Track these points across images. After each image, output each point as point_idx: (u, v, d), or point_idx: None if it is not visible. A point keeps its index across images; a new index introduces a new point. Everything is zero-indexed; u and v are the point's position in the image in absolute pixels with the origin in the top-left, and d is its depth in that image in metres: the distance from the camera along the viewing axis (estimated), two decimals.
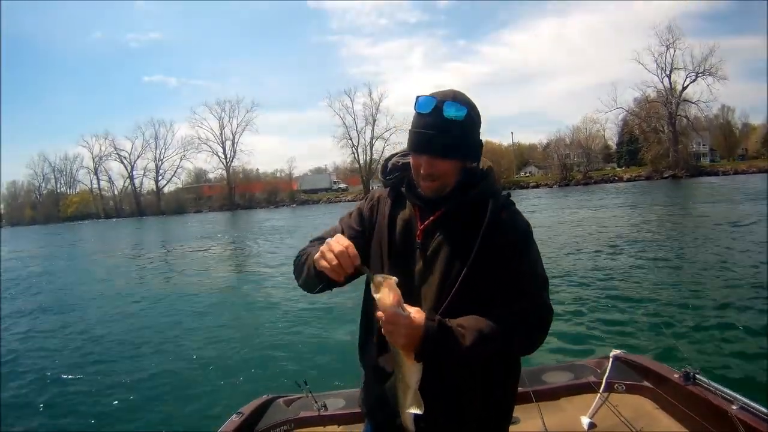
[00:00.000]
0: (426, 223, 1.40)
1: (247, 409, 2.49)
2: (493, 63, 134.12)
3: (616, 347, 2.82)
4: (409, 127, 1.38)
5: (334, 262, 1.25)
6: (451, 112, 1.29)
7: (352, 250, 1.27)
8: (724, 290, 7.39)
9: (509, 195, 1.44)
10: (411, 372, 1.24)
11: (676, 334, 5.62)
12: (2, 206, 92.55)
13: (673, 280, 8.46)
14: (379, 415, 1.48)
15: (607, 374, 2.53)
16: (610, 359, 2.63)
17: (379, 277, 1.22)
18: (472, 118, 1.34)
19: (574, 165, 65.05)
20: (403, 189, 1.48)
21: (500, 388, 1.42)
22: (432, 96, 1.33)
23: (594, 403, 2.40)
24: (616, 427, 2.23)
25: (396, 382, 1.28)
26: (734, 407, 1.97)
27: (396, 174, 1.50)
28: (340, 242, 1.27)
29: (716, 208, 19.98)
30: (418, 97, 1.34)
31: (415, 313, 1.23)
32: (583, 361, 2.88)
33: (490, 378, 1.37)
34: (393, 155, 1.56)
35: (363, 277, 1.31)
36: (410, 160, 1.41)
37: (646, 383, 2.47)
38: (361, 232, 1.51)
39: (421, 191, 1.41)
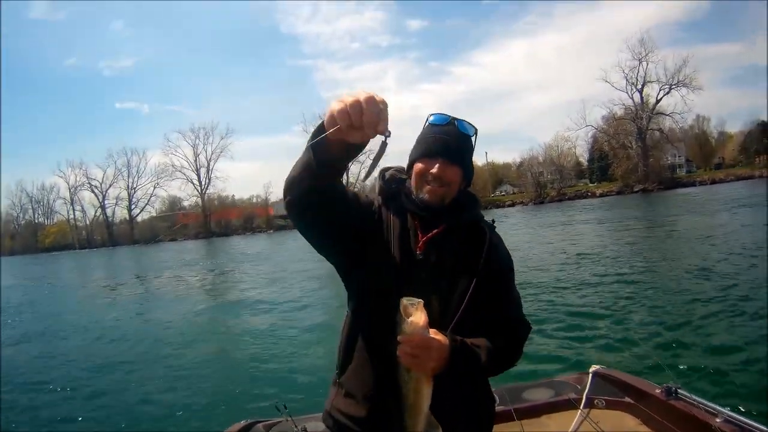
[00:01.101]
0: (429, 235, 1.42)
1: None
2: (466, 83, 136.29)
3: (595, 363, 2.81)
4: (414, 140, 1.49)
5: (364, 112, 1.03)
6: (464, 127, 1.44)
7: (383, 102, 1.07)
8: (701, 303, 7.42)
9: (493, 221, 1.54)
10: (426, 396, 1.21)
11: (655, 349, 5.65)
12: None
13: (649, 294, 8.52)
14: None
15: (587, 390, 2.52)
16: (590, 375, 2.62)
17: (406, 301, 1.18)
18: (474, 141, 1.48)
19: (548, 182, 66.24)
20: (403, 199, 1.49)
21: (488, 398, 1.53)
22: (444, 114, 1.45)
23: (575, 420, 2.37)
24: None
25: (404, 407, 1.22)
26: (718, 420, 1.97)
27: (394, 186, 1.52)
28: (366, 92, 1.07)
29: (689, 219, 20.50)
30: (431, 114, 1.46)
31: (438, 335, 1.24)
32: (562, 378, 2.86)
33: (484, 389, 1.50)
34: (388, 168, 1.58)
35: (338, 295, 1.29)
36: (415, 167, 1.44)
37: (627, 399, 2.46)
38: (370, 214, 1.47)
39: (424, 196, 1.42)
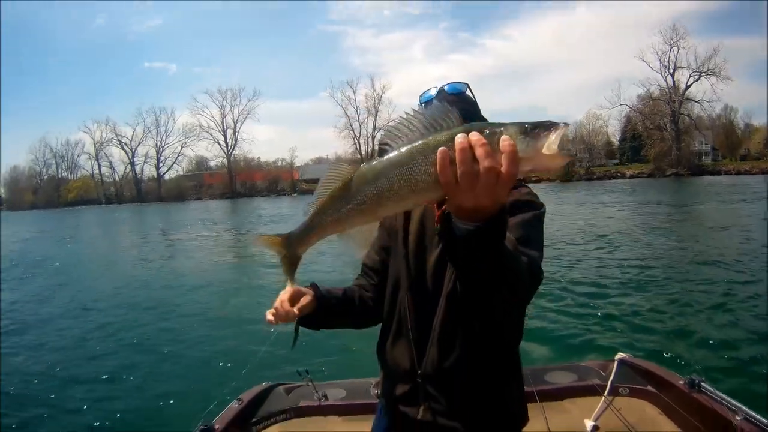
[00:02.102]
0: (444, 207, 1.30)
1: (247, 395, 2.47)
2: (496, 56, 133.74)
3: (621, 350, 2.75)
4: None
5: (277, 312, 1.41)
6: (452, 88, 1.43)
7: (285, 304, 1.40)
8: (735, 297, 7.19)
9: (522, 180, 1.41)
10: None
11: (682, 339, 5.51)
12: (3, 191, 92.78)
13: (683, 283, 8.26)
14: (403, 409, 1.45)
15: (612, 377, 2.47)
16: (616, 362, 2.57)
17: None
18: (472, 94, 1.46)
19: (576, 161, 64.88)
20: None
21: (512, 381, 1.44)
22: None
23: (598, 407, 2.33)
24: (618, 431, 2.17)
25: None
26: (738, 418, 1.93)
27: None
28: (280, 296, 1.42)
29: (724, 209, 19.86)
30: (422, 94, 1.45)
31: None
32: (586, 363, 2.81)
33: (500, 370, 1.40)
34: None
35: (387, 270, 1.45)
36: None
37: (650, 388, 2.42)
38: (388, 232, 1.57)
39: None
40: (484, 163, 0.77)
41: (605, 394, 2.40)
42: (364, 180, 0.89)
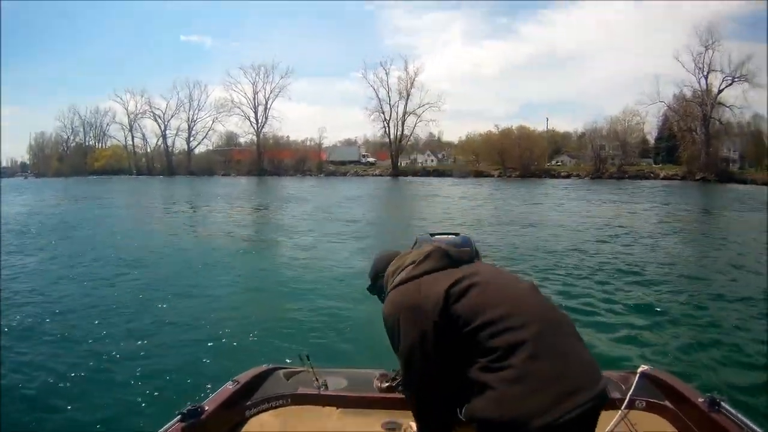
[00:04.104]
0: None
1: (244, 377, 2.36)
2: (533, 44, 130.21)
3: (645, 362, 2.64)
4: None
5: None
6: None
7: None
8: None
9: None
10: None
11: (706, 355, 5.29)
12: (29, 157, 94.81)
13: (714, 297, 7.85)
14: None
15: (632, 391, 2.36)
16: (637, 375, 2.45)
17: None
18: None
19: (609, 157, 63.30)
20: None
21: None
22: None
23: (613, 420, 2.24)
24: None
25: None
26: None
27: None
28: None
29: (755, 217, 19.14)
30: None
31: None
32: (607, 374, 2.71)
33: None
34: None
35: None
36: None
37: (668, 403, 2.30)
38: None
39: None
40: None
41: (622, 407, 2.31)
42: None
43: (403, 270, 1.64)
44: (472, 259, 1.72)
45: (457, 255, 1.65)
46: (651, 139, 69.34)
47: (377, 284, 1.88)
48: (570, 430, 1.28)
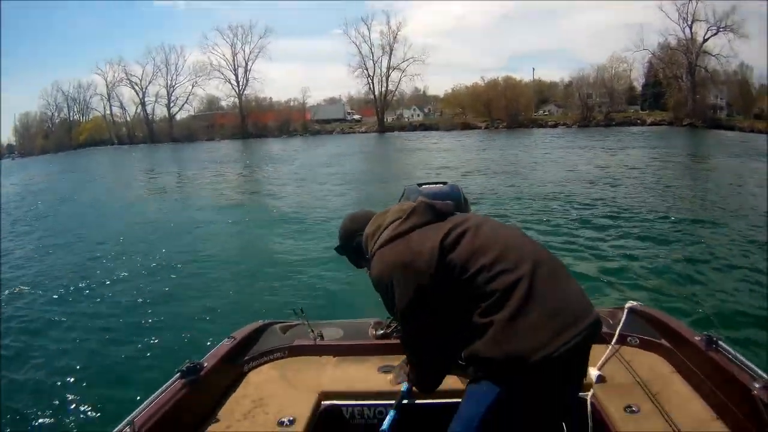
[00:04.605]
0: None
1: (240, 333, 2.42)
2: None
3: (632, 299, 2.64)
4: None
5: None
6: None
7: None
8: (754, 252, 6.96)
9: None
10: None
11: (699, 293, 5.35)
12: (15, 138, 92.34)
13: (703, 236, 8.02)
14: None
15: (620, 326, 2.37)
16: (625, 310, 2.46)
17: None
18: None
19: (596, 105, 62.95)
20: None
21: None
22: None
23: (604, 355, 2.25)
24: (627, 384, 2.07)
25: None
26: (757, 385, 1.75)
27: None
28: None
29: (738, 162, 19.29)
30: None
31: None
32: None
33: None
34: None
35: None
36: None
37: (663, 341, 2.29)
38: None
39: None
40: None
41: (612, 342, 2.32)
42: None
43: (386, 228, 1.61)
44: (459, 209, 1.73)
45: (442, 207, 1.63)
46: (638, 86, 68.91)
47: (352, 244, 1.81)
48: (568, 361, 1.32)
